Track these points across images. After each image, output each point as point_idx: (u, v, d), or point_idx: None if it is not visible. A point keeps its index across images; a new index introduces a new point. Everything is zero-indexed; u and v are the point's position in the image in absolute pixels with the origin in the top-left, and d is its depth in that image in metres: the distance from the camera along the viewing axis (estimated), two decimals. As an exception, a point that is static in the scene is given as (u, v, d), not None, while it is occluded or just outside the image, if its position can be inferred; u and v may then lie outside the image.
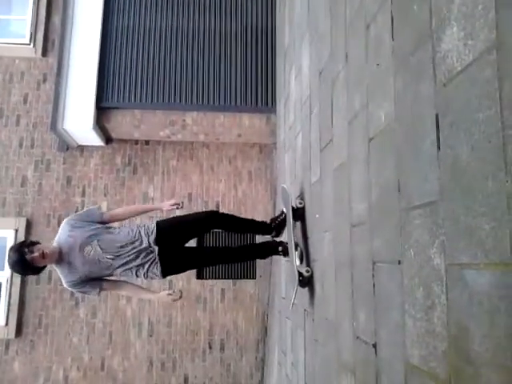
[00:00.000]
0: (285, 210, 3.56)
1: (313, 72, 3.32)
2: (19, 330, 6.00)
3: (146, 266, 3.23)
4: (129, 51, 6.08)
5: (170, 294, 3.34)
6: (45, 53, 6.42)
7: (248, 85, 6.05)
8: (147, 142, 6.50)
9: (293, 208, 3.45)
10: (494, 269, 1.16)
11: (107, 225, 3.31)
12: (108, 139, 6.39)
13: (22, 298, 6.03)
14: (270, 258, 4.29)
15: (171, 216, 3.61)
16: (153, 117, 6.06)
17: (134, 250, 3.18)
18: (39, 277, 5.73)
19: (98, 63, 5.94)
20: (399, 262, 1.70)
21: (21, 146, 6.31)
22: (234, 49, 6.13)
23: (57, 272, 3.22)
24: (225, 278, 6.32)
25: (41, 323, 6.07)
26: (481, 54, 1.24)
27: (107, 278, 3.32)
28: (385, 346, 1.83)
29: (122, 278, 3.39)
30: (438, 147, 1.45)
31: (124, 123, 6.09)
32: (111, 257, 3.13)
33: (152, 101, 6.00)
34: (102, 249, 3.11)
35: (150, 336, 6.16)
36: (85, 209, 3.53)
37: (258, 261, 6.16)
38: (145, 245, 3.20)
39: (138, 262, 3.20)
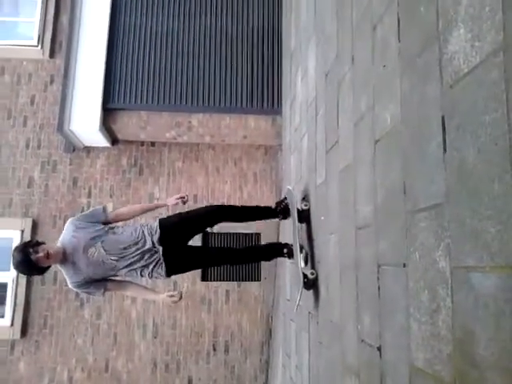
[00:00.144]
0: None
1: (319, 74, 3.31)
2: (24, 331, 6.02)
3: (151, 267, 3.23)
4: (135, 53, 6.10)
5: (170, 296, 3.35)
6: (52, 54, 6.46)
7: (254, 86, 6.05)
8: (153, 144, 6.52)
9: (298, 210, 3.44)
10: (499, 272, 1.15)
11: (111, 225, 3.29)
12: (114, 140, 6.41)
13: (27, 299, 6.04)
14: (274, 259, 4.28)
15: (174, 213, 3.60)
16: (159, 118, 6.08)
17: (138, 252, 3.17)
18: (44, 277, 5.75)
19: (105, 65, 5.96)
20: (404, 265, 1.69)
21: (27, 146, 6.34)
22: (240, 50, 6.13)
23: (62, 273, 3.23)
24: (229, 280, 6.32)
25: (46, 324, 6.08)
26: (488, 56, 1.24)
27: (112, 278, 3.32)
28: (389, 349, 1.82)
29: (127, 278, 3.39)
30: (444, 149, 1.44)
31: (130, 124, 6.11)
32: (115, 258, 3.13)
33: (158, 102, 6.02)
34: (105, 250, 3.10)
35: (155, 337, 6.17)
36: (91, 209, 3.52)
37: (262, 262, 6.17)
38: (149, 245, 3.19)
39: (143, 262, 3.20)
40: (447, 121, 1.43)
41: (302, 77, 4.10)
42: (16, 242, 5.92)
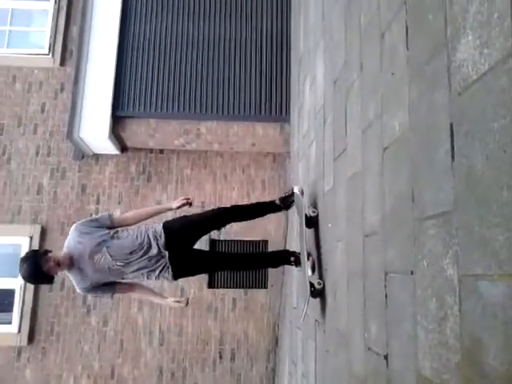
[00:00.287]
0: (295, 189, 3.55)
1: (327, 81, 3.32)
2: (31, 338, 6.03)
3: (158, 271, 3.23)
4: (144, 61, 6.14)
5: (177, 301, 3.35)
6: (63, 62, 6.52)
7: (262, 94, 6.07)
8: (162, 151, 6.54)
9: (306, 216, 3.43)
10: (508, 280, 1.14)
11: (116, 229, 3.24)
12: (123, 148, 6.44)
13: (34, 305, 6.05)
14: (281, 267, 4.27)
15: (179, 216, 3.60)
16: (167, 126, 6.10)
17: (145, 257, 3.16)
18: (52, 284, 5.76)
19: (114, 73, 6.01)
20: (412, 273, 1.68)
21: (37, 154, 6.38)
22: (248, 58, 6.16)
23: (69, 278, 3.24)
24: (236, 287, 6.30)
25: (53, 330, 6.09)
26: (496, 63, 1.23)
27: (119, 281, 3.32)
28: (396, 358, 1.80)
29: (134, 280, 3.38)
30: (453, 157, 1.43)
31: (139, 132, 6.14)
32: (122, 264, 3.12)
33: (167, 110, 6.05)
34: (111, 256, 3.09)
35: (161, 345, 6.15)
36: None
37: (269, 270, 6.16)
38: (155, 250, 3.18)
39: (150, 268, 3.20)
40: (455, 128, 1.43)
41: (311, 84, 4.11)
42: (25, 248, 5.94)
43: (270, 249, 6.02)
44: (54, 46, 6.51)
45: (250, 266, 3.86)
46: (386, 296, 1.92)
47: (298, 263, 3.51)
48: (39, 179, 6.34)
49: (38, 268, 2.91)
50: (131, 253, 3.13)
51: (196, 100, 6.05)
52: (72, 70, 6.14)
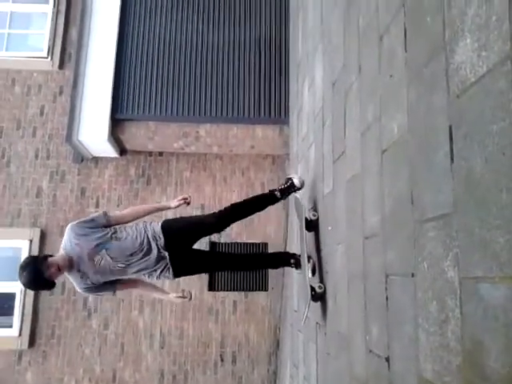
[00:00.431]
0: (294, 180, 3.55)
1: (326, 83, 3.32)
2: (32, 341, 6.02)
3: (159, 271, 3.23)
4: (143, 64, 6.15)
5: (179, 297, 3.35)
6: (62, 65, 6.52)
7: (261, 96, 6.07)
8: (161, 154, 6.54)
9: (306, 219, 3.43)
10: (509, 282, 1.14)
11: (114, 230, 3.17)
12: (122, 151, 6.44)
13: (35, 309, 6.05)
14: (282, 269, 4.26)
15: (179, 217, 3.59)
16: (167, 129, 6.10)
17: (145, 258, 3.15)
18: (52, 287, 5.75)
19: (113, 76, 6.01)
20: (412, 275, 1.68)
21: (36, 157, 6.39)
22: (247, 60, 6.17)
23: (69, 280, 3.21)
24: (237, 290, 6.30)
25: (53, 334, 6.08)
26: (495, 66, 1.23)
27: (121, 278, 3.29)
28: (398, 360, 1.80)
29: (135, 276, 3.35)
30: (452, 159, 1.43)
31: (138, 135, 6.14)
32: (123, 265, 3.11)
33: (166, 113, 6.05)
34: (111, 258, 3.06)
35: (162, 348, 6.15)
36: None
37: (269, 273, 6.15)
38: (155, 251, 3.16)
39: (150, 268, 3.19)
40: (454, 130, 1.43)
41: (309, 86, 4.11)
42: (24, 251, 5.94)
43: (270, 251, 6.01)
44: (52, 49, 6.51)
45: (250, 265, 3.85)
46: (387, 298, 1.92)
47: (298, 265, 3.51)
48: (38, 182, 6.34)
49: (39, 274, 2.86)
50: (132, 254, 3.11)
51: (195, 103, 6.06)
52: (71, 73, 6.14)
